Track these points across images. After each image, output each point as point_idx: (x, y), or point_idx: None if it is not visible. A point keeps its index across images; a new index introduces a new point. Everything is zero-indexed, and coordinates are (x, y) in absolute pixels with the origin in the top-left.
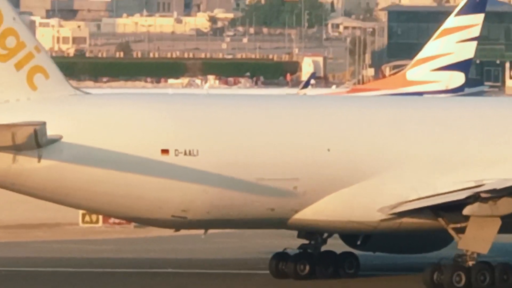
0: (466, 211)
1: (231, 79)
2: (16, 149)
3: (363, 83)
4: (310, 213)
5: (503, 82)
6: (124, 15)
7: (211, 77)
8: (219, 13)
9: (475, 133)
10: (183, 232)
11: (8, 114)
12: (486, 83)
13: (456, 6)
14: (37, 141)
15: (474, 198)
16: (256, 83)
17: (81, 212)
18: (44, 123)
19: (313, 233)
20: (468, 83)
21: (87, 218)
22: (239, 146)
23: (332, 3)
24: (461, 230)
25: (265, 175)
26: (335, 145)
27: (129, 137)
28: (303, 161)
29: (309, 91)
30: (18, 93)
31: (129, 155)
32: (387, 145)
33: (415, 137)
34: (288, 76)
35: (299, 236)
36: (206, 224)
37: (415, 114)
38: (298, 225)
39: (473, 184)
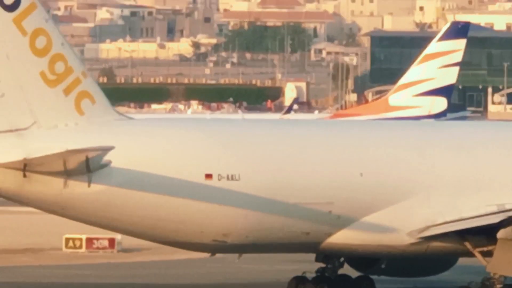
0: (500, 234)
1: (214, 104)
2: (68, 174)
3: (345, 108)
4: (342, 237)
5: (486, 107)
6: (108, 40)
7: (194, 102)
8: (202, 39)
9: (497, 156)
10: (166, 256)
11: (58, 139)
12: (468, 108)
13: (438, 32)
14: (88, 166)
15: (508, 221)
16: (239, 108)
17: (64, 237)
18: (112, 148)
19: (331, 256)
20: (451, 108)
21: (70, 243)
22: (277, 170)
23: (315, 29)
24: (488, 254)
25: (302, 199)
26: (367, 169)
27: (174, 162)
28: (337, 186)
29: (292, 116)
30: (66, 118)
31: (175, 180)
32: (415, 170)
33: (441, 161)
34: (269, 103)
35: (317, 260)
36: (243, 248)
37: (441, 139)
38: (329, 249)
39: (495, 208)
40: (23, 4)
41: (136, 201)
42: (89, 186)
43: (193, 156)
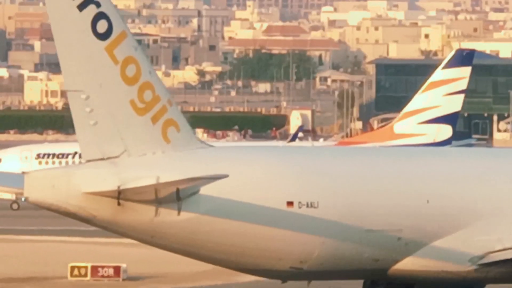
0: None
1: (219, 132)
2: (159, 202)
3: (351, 136)
4: (409, 264)
5: (491, 134)
6: None
7: (199, 130)
8: (207, 67)
9: None
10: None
11: (148, 167)
12: (474, 136)
13: (444, 59)
14: (178, 194)
15: None
16: (244, 137)
17: (69, 265)
18: (226, 175)
19: (378, 284)
20: (456, 136)
21: (75, 271)
22: (352, 198)
23: (320, 56)
24: None
25: (374, 226)
26: (433, 197)
27: (258, 189)
28: (406, 213)
29: (297, 144)
30: (154, 146)
31: (258, 207)
32: (476, 197)
33: (500, 188)
34: (274, 131)
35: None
36: (316, 275)
37: (499, 166)
38: (395, 276)
39: None
40: (115, 33)
41: (222, 229)
42: (179, 214)
43: (276, 184)
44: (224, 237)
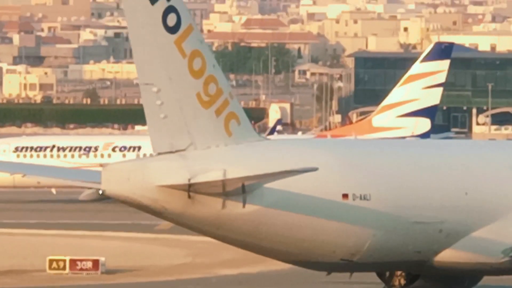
0: None
1: None
2: (226, 195)
3: (330, 129)
4: (447, 256)
5: (470, 128)
6: (91, 61)
7: None
8: None
9: None
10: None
11: (214, 160)
12: (453, 129)
13: (423, 53)
14: (243, 187)
15: None
16: None
17: (48, 258)
18: (316, 169)
19: (393, 275)
20: (435, 129)
21: (54, 264)
22: (400, 190)
23: (299, 50)
24: None
25: (419, 218)
26: (471, 189)
27: (315, 182)
28: (447, 205)
29: (275, 137)
30: (217, 139)
31: (316, 200)
32: (510, 188)
33: None
34: (253, 124)
35: (380, 277)
36: (363, 267)
37: None
38: (433, 267)
39: None
40: (183, 26)
41: (283, 221)
42: (244, 207)
43: (332, 176)
44: (285, 229)
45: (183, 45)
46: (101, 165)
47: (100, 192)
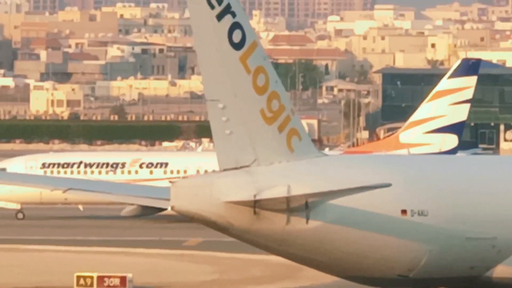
0: None
1: None
2: (290, 211)
3: (357, 145)
4: (499, 271)
5: (498, 144)
6: (119, 78)
7: (205, 140)
8: None
9: None
10: None
11: (278, 176)
12: (480, 145)
13: (450, 69)
14: (306, 203)
15: None
16: None
17: (75, 275)
18: (389, 184)
19: None
20: (463, 145)
21: (81, 281)
22: (456, 206)
23: (326, 66)
24: None
25: (473, 234)
26: None
27: (375, 198)
28: (500, 221)
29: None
30: (280, 155)
31: (377, 216)
32: None
33: None
34: None
35: None
36: (418, 283)
37: None
38: (485, 283)
39: None
40: (248, 42)
41: (345, 237)
42: (307, 222)
43: (391, 192)
44: (346, 245)
45: (247, 62)
46: (170, 181)
47: (169, 208)
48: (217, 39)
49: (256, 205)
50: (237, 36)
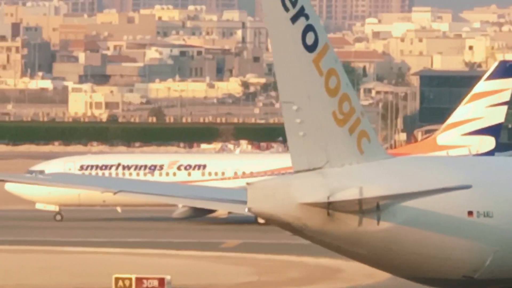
0: None
1: (263, 144)
2: (362, 212)
3: (395, 147)
4: None
5: None
6: (157, 80)
7: (243, 142)
8: (251, 78)
9: None
10: None
11: (350, 178)
12: None
13: (488, 71)
14: (378, 205)
15: None
16: (288, 148)
17: (114, 276)
18: (470, 186)
19: None
20: (500, 147)
21: (120, 283)
22: None
23: (364, 68)
24: None
25: None
26: None
27: (443, 200)
28: None
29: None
30: (350, 157)
31: (445, 217)
32: None
33: None
34: None
35: None
36: (482, 284)
37: None
38: None
39: None
40: (320, 45)
41: (415, 238)
42: (378, 224)
43: (458, 194)
44: (415, 247)
45: (320, 64)
46: (247, 183)
47: (246, 210)
48: (291, 41)
49: (329, 206)
50: (310, 38)
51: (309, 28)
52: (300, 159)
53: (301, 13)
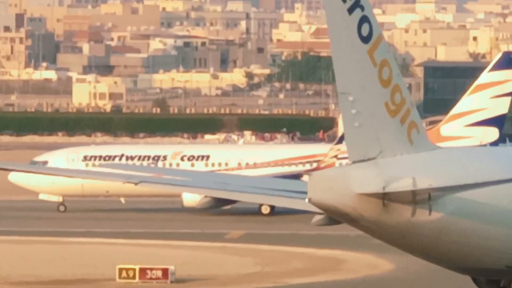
0: None
1: (267, 135)
2: (415, 203)
3: None
4: None
5: None
6: (161, 71)
7: (247, 133)
8: (256, 69)
9: None
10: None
11: (403, 168)
12: None
13: (492, 62)
14: (430, 195)
15: None
16: (292, 139)
17: (117, 267)
18: None
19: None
20: (504, 138)
21: (124, 273)
22: None
23: None
24: None
25: None
26: None
27: (490, 190)
28: None
29: (344, 146)
30: (401, 147)
31: (490, 207)
32: None
33: None
34: (322, 133)
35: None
36: None
37: None
38: None
39: None
40: (374, 36)
41: (461, 229)
42: (430, 214)
43: (505, 184)
44: (462, 237)
45: (374, 55)
46: (307, 174)
47: (306, 200)
48: (348, 32)
49: (385, 197)
50: (365, 29)
51: (364, 19)
52: (356, 150)
53: (357, 4)
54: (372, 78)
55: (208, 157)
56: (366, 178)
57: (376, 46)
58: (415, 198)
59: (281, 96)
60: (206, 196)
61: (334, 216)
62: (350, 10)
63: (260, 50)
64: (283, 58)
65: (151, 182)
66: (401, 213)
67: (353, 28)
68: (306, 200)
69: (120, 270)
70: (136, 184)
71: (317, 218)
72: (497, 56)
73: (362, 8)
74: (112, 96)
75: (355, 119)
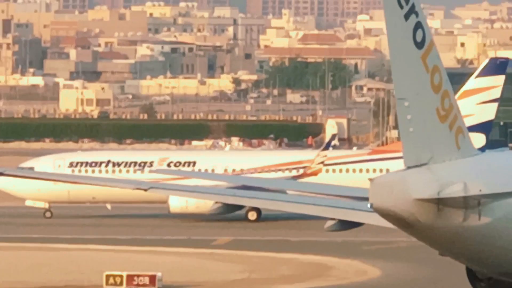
0: None
1: (255, 141)
2: (467, 207)
3: (386, 144)
4: None
5: None
6: (148, 76)
7: (234, 139)
8: (243, 75)
9: None
10: None
11: (453, 173)
12: (510, 144)
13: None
14: (479, 200)
15: None
16: (280, 145)
17: (105, 274)
18: None
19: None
20: (492, 144)
21: (111, 280)
22: None
23: (356, 65)
24: None
25: None
26: None
27: None
28: None
29: (331, 152)
30: (450, 152)
31: None
32: None
33: None
34: (310, 139)
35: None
36: None
37: None
38: None
39: None
40: (427, 42)
41: (506, 234)
42: (479, 219)
43: None
44: (507, 242)
45: (427, 60)
46: (369, 179)
47: (369, 205)
48: (404, 38)
49: (440, 202)
50: (419, 35)
51: (418, 25)
52: (410, 155)
53: (412, 10)
54: (425, 83)
55: (194, 163)
56: (422, 183)
57: (429, 51)
58: (467, 203)
59: (268, 102)
60: (217, 202)
61: (390, 221)
62: (407, 16)
63: (248, 56)
64: (271, 64)
65: (160, 188)
66: (454, 218)
67: (409, 34)
68: (368, 205)
69: (107, 276)
70: (145, 190)
71: (329, 223)
72: (484, 62)
73: (417, 14)
74: (99, 102)
75: (409, 125)
